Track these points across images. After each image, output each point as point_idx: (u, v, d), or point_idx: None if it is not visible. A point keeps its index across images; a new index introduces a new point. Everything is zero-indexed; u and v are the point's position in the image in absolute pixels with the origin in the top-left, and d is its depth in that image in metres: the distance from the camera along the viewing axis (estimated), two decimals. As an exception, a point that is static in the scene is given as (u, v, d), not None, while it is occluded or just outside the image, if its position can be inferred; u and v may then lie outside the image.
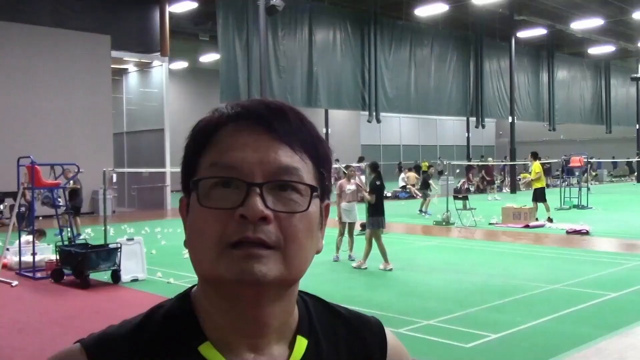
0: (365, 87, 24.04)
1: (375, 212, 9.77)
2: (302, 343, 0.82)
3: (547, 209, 15.97)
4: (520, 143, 33.06)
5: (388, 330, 0.93)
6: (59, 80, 19.28)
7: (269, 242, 0.73)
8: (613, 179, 37.85)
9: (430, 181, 19.44)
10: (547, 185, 17.48)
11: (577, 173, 22.30)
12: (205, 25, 26.67)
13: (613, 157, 39.20)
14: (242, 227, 0.73)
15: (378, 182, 9.91)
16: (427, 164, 27.57)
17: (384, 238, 9.92)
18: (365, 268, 9.73)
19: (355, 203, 10.66)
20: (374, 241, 9.72)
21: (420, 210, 18.56)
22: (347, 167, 11.41)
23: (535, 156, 16.58)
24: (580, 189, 20.30)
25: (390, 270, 9.59)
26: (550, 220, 15.66)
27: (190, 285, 0.85)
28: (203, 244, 0.75)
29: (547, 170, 22.28)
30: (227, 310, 0.77)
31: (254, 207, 0.73)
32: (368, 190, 10.08)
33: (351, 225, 10.64)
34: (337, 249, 10.55)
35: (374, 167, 10.32)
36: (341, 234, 10.53)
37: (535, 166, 16.28)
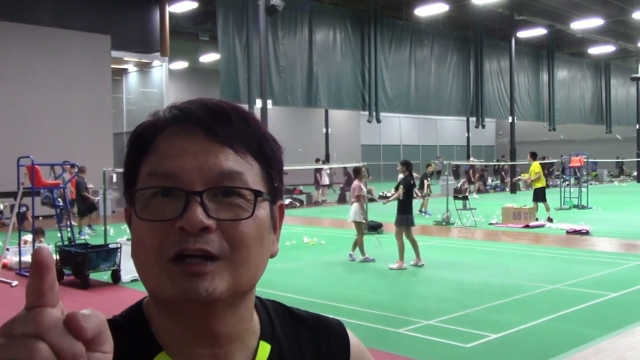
0: (365, 87, 24.04)
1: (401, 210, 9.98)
2: (265, 349, 0.80)
3: (547, 209, 15.98)
4: (520, 143, 33.08)
5: (350, 332, 0.92)
6: (59, 80, 19.27)
7: (213, 251, 0.69)
8: (613, 179, 37.82)
9: (425, 180, 19.37)
10: (547, 186, 17.49)
11: (584, 172, 22.24)
12: (205, 25, 26.69)
13: (617, 157, 39.24)
14: (181, 238, 0.69)
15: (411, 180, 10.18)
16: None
17: (384, 238, 9.91)
18: (404, 268, 9.75)
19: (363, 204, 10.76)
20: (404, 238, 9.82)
21: (420, 210, 18.57)
22: (357, 169, 11.28)
23: (534, 156, 16.59)
24: (580, 189, 20.31)
25: (421, 266, 9.78)
26: (550, 220, 15.68)
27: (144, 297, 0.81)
28: (144, 259, 0.71)
29: (548, 171, 22.24)
30: (178, 322, 0.74)
31: (193, 218, 0.68)
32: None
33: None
34: (362, 251, 10.49)
35: (407, 165, 10.43)
36: (362, 234, 10.48)
37: (535, 166, 16.27)
